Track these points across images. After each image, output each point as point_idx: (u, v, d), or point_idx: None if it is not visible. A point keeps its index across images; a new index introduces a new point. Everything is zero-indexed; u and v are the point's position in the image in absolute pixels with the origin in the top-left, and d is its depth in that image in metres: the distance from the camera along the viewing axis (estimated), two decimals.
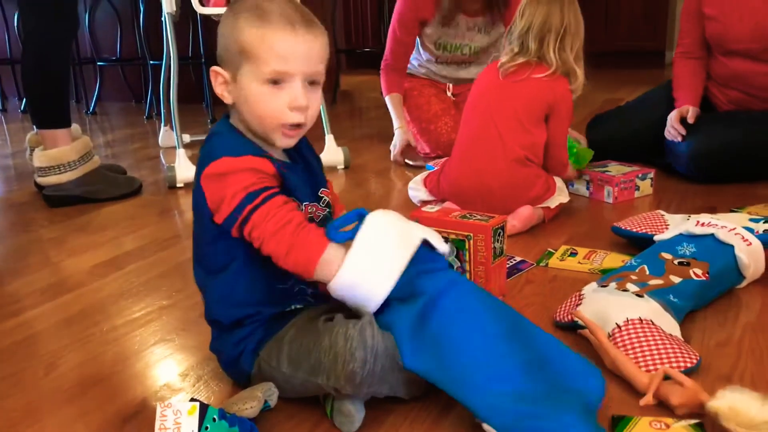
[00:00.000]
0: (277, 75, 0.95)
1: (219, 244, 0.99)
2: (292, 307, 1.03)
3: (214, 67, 1.00)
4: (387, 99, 2.70)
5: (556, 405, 0.87)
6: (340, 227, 0.95)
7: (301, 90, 0.96)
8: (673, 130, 2.17)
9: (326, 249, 0.92)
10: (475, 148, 1.79)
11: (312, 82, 0.98)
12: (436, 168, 1.97)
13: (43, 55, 2.11)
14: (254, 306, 1.00)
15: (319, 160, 1.13)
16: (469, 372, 0.90)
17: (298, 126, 0.99)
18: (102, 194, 2.24)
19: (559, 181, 1.86)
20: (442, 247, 1.00)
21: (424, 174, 1.99)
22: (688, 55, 2.30)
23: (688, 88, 2.26)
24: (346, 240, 0.94)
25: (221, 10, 2.52)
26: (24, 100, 4.66)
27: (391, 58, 2.66)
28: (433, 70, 2.72)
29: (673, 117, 2.19)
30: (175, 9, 2.55)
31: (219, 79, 1.00)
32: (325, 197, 1.08)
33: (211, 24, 3.04)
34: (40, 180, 2.20)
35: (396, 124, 2.65)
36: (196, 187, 0.98)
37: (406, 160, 2.60)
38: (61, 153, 2.16)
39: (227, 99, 1.00)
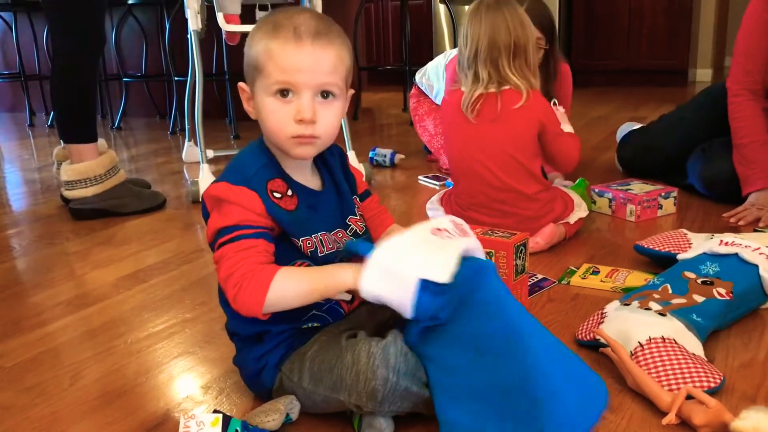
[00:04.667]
0: (282, 86, 0.94)
1: None
2: (309, 325, 1.03)
3: (240, 84, 1.02)
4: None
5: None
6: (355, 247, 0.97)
7: (307, 102, 0.94)
8: (749, 220, 1.86)
9: (269, 291, 0.90)
10: (482, 194, 1.74)
11: (326, 95, 0.97)
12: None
13: (71, 72, 2.15)
14: (270, 324, 1.00)
15: (352, 182, 1.12)
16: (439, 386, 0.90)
17: (309, 137, 0.97)
18: (127, 208, 2.27)
19: (576, 197, 1.86)
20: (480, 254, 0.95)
21: (441, 193, 1.99)
22: (755, 92, 1.99)
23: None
24: (358, 249, 0.95)
25: (244, 28, 2.55)
26: (51, 114, 4.74)
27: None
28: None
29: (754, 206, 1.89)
30: (200, 26, 2.59)
31: (244, 95, 1.02)
32: (352, 225, 1.07)
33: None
34: (67, 193, 2.24)
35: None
36: (201, 202, 1.01)
37: (421, 179, 2.60)
38: (87, 167, 2.19)
39: (252, 115, 1.02)
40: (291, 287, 0.93)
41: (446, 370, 0.90)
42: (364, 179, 2.65)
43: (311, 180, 1.05)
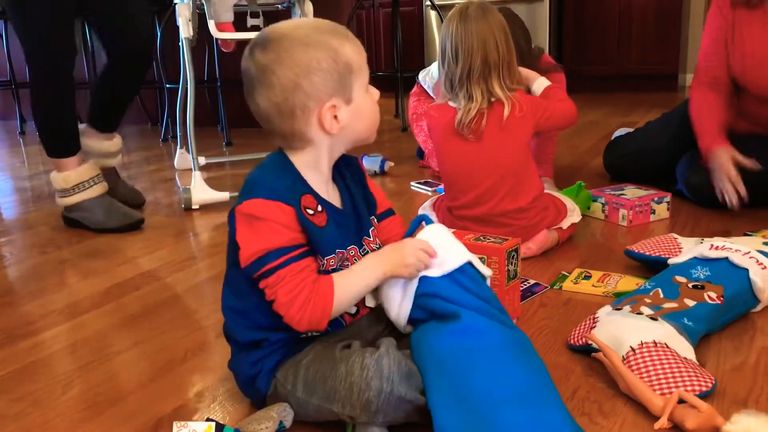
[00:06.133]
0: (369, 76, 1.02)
1: (240, 269, 0.99)
2: (308, 334, 1.03)
3: (330, 104, 0.96)
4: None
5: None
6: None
7: None
8: (729, 188, 1.91)
9: (333, 304, 0.96)
10: (477, 210, 1.73)
11: None
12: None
13: (34, 84, 2.09)
14: (270, 331, 1.01)
15: (369, 201, 1.10)
16: None
17: None
18: (90, 222, 2.19)
19: (569, 202, 1.86)
20: (485, 270, 1.05)
21: (434, 198, 1.99)
22: (712, 86, 2.11)
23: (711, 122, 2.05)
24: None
25: (237, 35, 2.56)
26: None
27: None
28: None
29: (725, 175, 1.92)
30: (192, 34, 2.59)
31: (331, 114, 0.97)
32: (365, 246, 1.06)
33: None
34: (57, 200, 2.24)
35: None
36: (230, 216, 0.99)
37: (413, 185, 2.61)
38: (66, 177, 2.16)
39: (336, 129, 0.98)
40: (348, 293, 0.98)
41: (444, 374, 0.92)
42: None
43: (333, 196, 1.05)
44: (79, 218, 2.21)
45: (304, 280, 0.95)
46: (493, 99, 1.67)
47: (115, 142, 2.38)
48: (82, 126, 2.28)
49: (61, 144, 2.17)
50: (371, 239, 1.08)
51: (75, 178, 2.16)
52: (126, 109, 2.34)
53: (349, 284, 0.98)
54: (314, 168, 1.01)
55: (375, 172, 2.88)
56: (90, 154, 2.30)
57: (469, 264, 1.03)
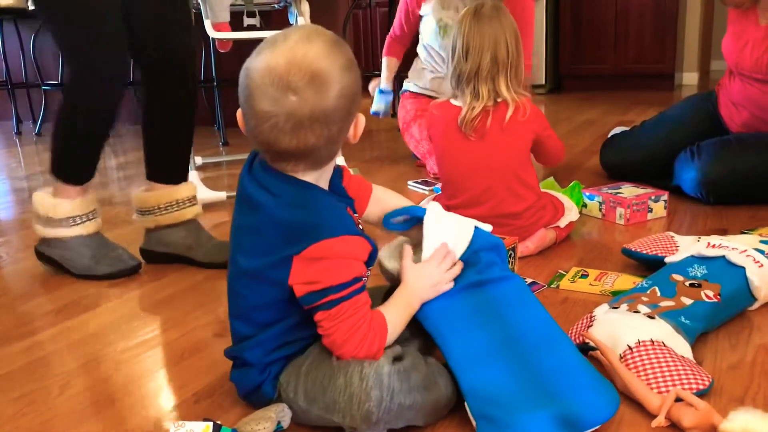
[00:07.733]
0: None
1: (272, 307, 0.98)
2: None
3: (360, 118, 0.99)
4: (383, 60, 2.97)
5: (523, 403, 0.93)
6: (393, 218, 1.12)
7: None
8: None
9: (384, 341, 0.96)
10: (477, 209, 1.70)
11: None
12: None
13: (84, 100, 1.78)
14: (285, 349, 1.00)
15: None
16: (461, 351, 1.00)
17: None
18: (78, 268, 1.75)
19: (566, 201, 1.86)
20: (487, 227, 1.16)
21: (431, 197, 1.99)
22: None
23: None
24: (399, 230, 1.12)
25: (234, 35, 2.55)
26: (39, 123, 4.73)
27: (398, 31, 2.87)
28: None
29: None
30: None
31: (358, 125, 1.00)
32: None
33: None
34: (34, 227, 1.83)
35: (381, 84, 3.00)
36: (278, 257, 0.93)
37: (410, 184, 2.61)
38: (58, 206, 1.74)
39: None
40: (395, 329, 0.99)
41: (468, 340, 1.00)
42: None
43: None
44: (58, 257, 1.77)
45: (363, 316, 0.93)
46: (499, 99, 1.67)
47: (185, 188, 1.87)
48: (140, 189, 1.88)
49: (75, 166, 1.74)
50: (357, 215, 1.08)
51: (68, 211, 1.73)
52: (186, 147, 1.92)
53: (396, 321, 0.99)
54: (326, 178, 1.02)
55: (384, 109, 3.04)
56: (155, 212, 1.83)
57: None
